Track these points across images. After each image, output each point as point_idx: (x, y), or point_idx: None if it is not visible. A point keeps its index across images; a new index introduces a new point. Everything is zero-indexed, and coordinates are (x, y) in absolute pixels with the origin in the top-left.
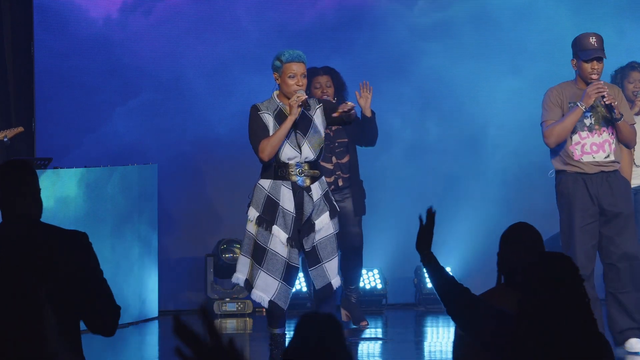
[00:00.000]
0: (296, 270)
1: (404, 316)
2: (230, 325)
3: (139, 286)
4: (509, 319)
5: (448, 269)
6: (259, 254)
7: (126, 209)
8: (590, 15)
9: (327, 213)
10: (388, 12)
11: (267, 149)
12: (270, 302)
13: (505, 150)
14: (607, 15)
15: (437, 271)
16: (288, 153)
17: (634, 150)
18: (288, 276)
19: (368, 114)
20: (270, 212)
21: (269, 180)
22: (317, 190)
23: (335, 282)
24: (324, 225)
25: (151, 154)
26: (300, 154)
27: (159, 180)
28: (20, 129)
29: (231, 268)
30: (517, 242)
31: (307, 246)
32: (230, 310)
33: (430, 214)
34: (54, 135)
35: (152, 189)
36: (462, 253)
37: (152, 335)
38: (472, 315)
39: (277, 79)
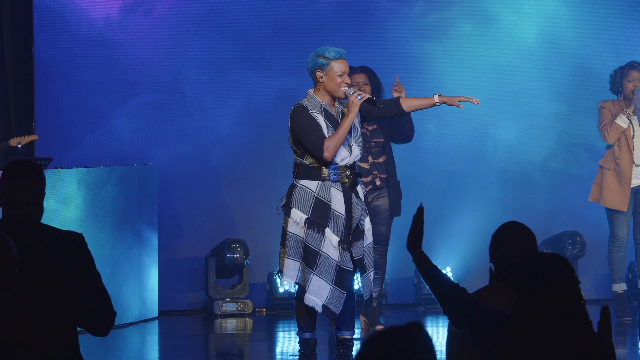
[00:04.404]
0: (348, 273)
1: (404, 316)
2: (230, 325)
3: (139, 286)
4: (504, 319)
5: (448, 269)
6: (311, 258)
7: (126, 209)
8: (591, 15)
9: (368, 217)
10: (388, 12)
11: (331, 148)
12: (324, 306)
13: (505, 150)
14: (608, 15)
15: (430, 271)
16: (342, 154)
17: (634, 150)
18: (340, 280)
19: None
20: (320, 215)
21: (316, 182)
22: (361, 192)
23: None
24: (368, 230)
25: (151, 154)
26: (351, 153)
27: (159, 180)
28: (35, 136)
29: (235, 268)
30: (512, 241)
31: (356, 254)
32: (230, 310)
33: (420, 212)
34: (54, 135)
35: (152, 189)
36: (462, 253)
37: (152, 335)
38: (468, 315)
39: (321, 77)
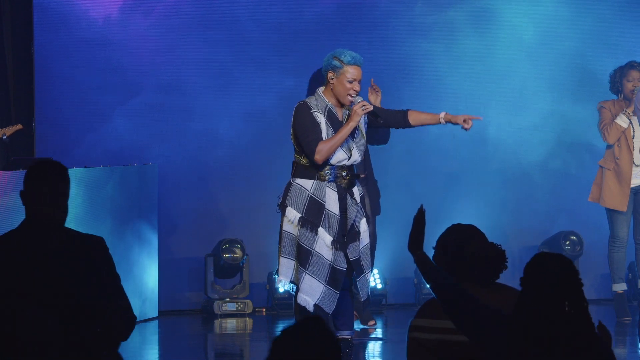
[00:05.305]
0: (342, 273)
1: (404, 316)
2: (230, 325)
3: (139, 286)
4: (505, 319)
5: None
6: (303, 256)
7: (126, 209)
8: (591, 15)
9: (365, 219)
10: (388, 12)
11: (324, 152)
12: (316, 306)
13: (505, 150)
14: (608, 15)
15: (431, 271)
16: (339, 156)
17: (634, 150)
18: (333, 280)
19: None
20: (314, 214)
21: (312, 181)
22: (357, 194)
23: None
24: (364, 232)
25: (151, 154)
26: (350, 157)
27: (159, 180)
28: (19, 126)
29: (232, 268)
30: (478, 238)
31: (351, 255)
32: (230, 310)
33: (421, 213)
34: (54, 135)
35: (152, 189)
36: None
37: (152, 335)
38: (469, 315)
39: (332, 79)
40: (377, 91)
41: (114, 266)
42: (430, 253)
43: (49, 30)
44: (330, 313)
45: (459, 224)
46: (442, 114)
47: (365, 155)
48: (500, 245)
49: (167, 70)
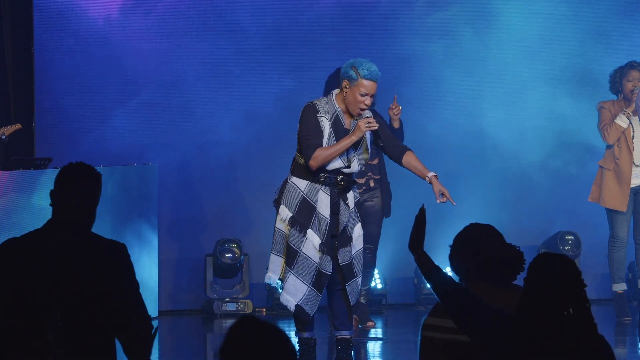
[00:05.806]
0: (327, 277)
1: (404, 316)
2: (230, 325)
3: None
4: (507, 318)
5: (447, 269)
6: (291, 256)
7: (126, 209)
8: (591, 15)
9: (359, 224)
10: (388, 12)
11: (319, 160)
12: (297, 306)
13: (505, 150)
14: (608, 15)
15: (432, 270)
16: (336, 165)
17: (634, 150)
18: (318, 283)
19: (396, 125)
20: (305, 215)
21: (306, 182)
22: (352, 199)
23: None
24: (357, 237)
25: (151, 154)
26: (349, 167)
27: (159, 180)
28: (18, 125)
29: (231, 268)
30: (493, 237)
31: (342, 260)
32: (230, 310)
33: (422, 212)
34: (54, 135)
35: (152, 189)
36: None
37: None
38: (471, 314)
39: (346, 88)
40: (396, 113)
41: (134, 274)
42: (430, 252)
43: (49, 30)
44: (312, 314)
45: (476, 224)
46: (430, 175)
47: (380, 158)
48: (518, 247)
49: (167, 70)
